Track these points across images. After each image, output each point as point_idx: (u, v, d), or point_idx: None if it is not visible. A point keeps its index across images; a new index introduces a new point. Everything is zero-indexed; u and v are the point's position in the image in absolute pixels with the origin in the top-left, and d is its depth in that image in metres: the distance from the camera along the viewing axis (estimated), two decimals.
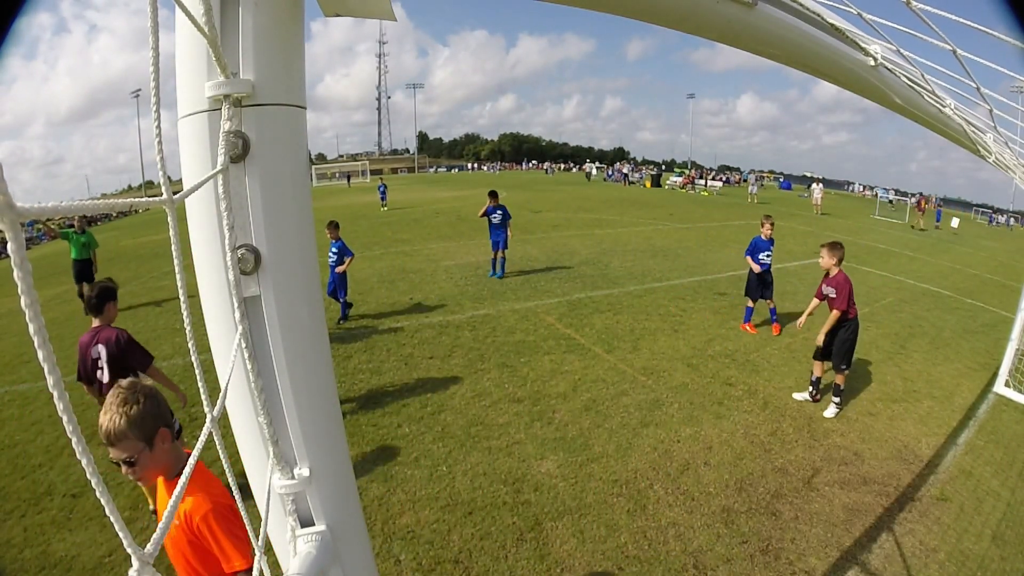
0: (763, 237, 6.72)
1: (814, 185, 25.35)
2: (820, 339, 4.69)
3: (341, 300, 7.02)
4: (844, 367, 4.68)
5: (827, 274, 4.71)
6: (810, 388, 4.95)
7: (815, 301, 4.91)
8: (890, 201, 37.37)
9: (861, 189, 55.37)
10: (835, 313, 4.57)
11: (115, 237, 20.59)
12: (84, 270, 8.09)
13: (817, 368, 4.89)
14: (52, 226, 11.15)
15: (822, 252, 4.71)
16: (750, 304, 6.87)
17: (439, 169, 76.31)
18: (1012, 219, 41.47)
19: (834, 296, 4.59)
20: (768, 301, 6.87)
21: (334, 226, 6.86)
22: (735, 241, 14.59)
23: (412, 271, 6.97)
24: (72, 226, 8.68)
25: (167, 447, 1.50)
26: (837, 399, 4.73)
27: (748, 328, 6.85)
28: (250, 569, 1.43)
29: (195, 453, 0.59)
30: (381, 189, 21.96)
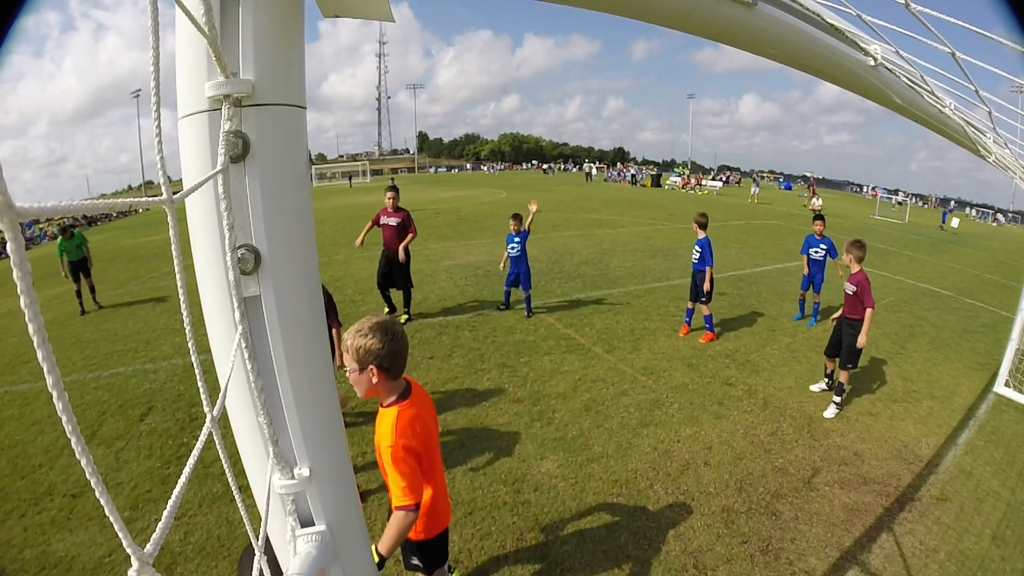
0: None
1: (815, 200, 27.07)
2: (862, 341, 4.57)
3: (526, 293, 7.10)
4: (850, 365, 4.72)
5: (850, 272, 4.78)
6: (825, 379, 5.14)
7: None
8: (891, 201, 37.45)
9: (872, 191, 54.43)
10: (869, 312, 4.57)
11: (115, 237, 20.59)
12: (80, 268, 8.07)
13: (829, 363, 5.06)
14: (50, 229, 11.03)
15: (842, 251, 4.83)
16: (689, 306, 6.67)
17: (439, 169, 76.37)
18: (1000, 215, 42.41)
19: (851, 294, 4.63)
20: (704, 306, 6.40)
21: (517, 218, 6.79)
22: (735, 241, 14.58)
23: (412, 271, 7.00)
24: (65, 230, 8.38)
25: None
26: (838, 399, 4.74)
27: (683, 331, 6.62)
28: (414, 505, 1.72)
29: (195, 453, 0.59)
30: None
